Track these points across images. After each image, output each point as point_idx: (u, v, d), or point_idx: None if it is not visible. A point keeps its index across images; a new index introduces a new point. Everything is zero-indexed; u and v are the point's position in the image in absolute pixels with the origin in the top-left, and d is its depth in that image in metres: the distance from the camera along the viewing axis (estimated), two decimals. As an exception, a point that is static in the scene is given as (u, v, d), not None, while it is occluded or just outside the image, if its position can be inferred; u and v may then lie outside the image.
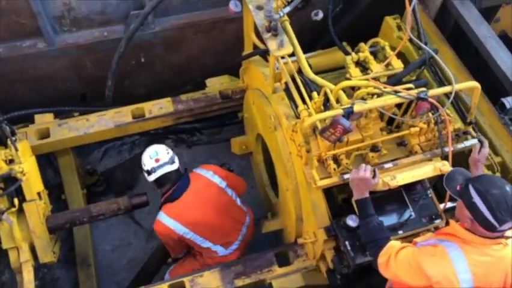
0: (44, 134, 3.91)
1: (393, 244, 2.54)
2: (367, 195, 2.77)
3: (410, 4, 3.00)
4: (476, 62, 3.87)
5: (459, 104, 3.40)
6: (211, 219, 3.48)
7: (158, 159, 3.39)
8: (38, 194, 3.47)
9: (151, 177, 3.43)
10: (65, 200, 4.54)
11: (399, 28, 3.76)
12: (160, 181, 3.42)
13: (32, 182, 3.39)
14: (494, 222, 2.16)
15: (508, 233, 2.25)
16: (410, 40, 3.57)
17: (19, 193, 3.37)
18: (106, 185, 4.99)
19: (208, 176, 3.59)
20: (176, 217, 3.40)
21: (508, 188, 2.20)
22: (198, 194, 3.46)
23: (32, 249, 3.49)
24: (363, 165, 2.78)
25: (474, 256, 2.26)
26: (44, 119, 3.97)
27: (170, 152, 3.50)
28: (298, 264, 3.45)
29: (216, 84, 4.30)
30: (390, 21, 3.81)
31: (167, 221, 3.40)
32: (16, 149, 3.28)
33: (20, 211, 3.41)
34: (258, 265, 3.44)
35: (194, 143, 5.30)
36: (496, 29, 4.28)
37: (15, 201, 3.34)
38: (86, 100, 4.62)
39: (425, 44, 3.54)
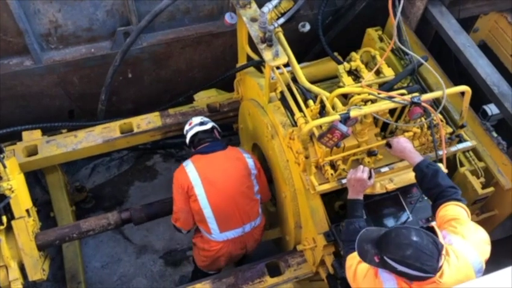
0: (32, 151, 3.90)
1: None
2: (361, 197, 2.84)
3: (394, 16, 3.09)
4: (457, 70, 3.97)
5: (442, 112, 3.48)
6: (224, 188, 3.42)
7: (191, 122, 3.74)
8: (27, 211, 3.46)
9: (187, 140, 3.71)
10: (54, 218, 4.51)
11: (381, 39, 3.85)
12: (194, 142, 3.64)
13: (21, 199, 3.38)
14: (427, 275, 2.13)
15: (441, 270, 2.18)
16: (393, 50, 3.69)
17: (7, 211, 3.35)
18: (95, 202, 4.98)
19: (244, 154, 3.59)
20: (197, 166, 3.44)
21: (415, 238, 2.14)
22: (226, 160, 3.51)
23: (21, 267, 3.47)
24: (361, 166, 2.86)
25: None
26: (32, 136, 3.96)
27: (205, 118, 3.76)
28: (289, 274, 3.48)
29: (204, 98, 4.35)
30: (372, 32, 3.90)
31: (189, 166, 3.45)
32: (4, 166, 3.28)
33: (9, 229, 3.39)
34: (249, 276, 3.46)
35: (183, 157, 5.32)
36: (476, 38, 4.40)
37: (4, 219, 3.31)
38: (74, 117, 4.62)
39: (406, 54, 3.64)
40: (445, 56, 4.02)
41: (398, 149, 2.93)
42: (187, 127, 3.73)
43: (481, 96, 3.65)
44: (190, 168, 3.44)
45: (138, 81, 4.52)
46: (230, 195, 3.43)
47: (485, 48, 4.40)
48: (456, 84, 3.56)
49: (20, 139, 3.94)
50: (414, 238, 2.14)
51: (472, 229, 2.41)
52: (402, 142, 2.92)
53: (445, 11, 3.97)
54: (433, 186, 2.66)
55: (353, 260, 2.52)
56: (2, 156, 3.30)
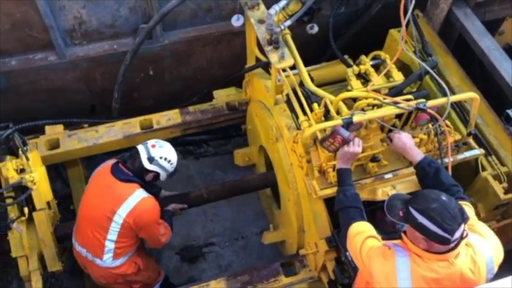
0: (54, 145, 3.97)
1: (370, 228, 2.55)
2: (349, 166, 2.84)
3: (405, 17, 3.05)
4: (481, 73, 3.91)
5: (464, 114, 3.44)
6: (88, 209, 3.35)
7: (154, 145, 3.33)
8: (48, 203, 3.53)
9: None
10: (73, 211, 4.58)
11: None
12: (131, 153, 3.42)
13: (42, 191, 3.45)
14: (445, 234, 2.14)
15: (457, 251, 2.22)
16: (415, 52, 3.64)
17: (29, 203, 3.43)
18: (114, 196, 5.02)
19: (129, 200, 3.21)
20: (98, 172, 3.42)
21: (444, 198, 2.22)
22: (108, 189, 3.27)
23: (41, 258, 3.54)
24: (356, 139, 2.82)
25: (419, 269, 2.24)
26: (55, 130, 4.04)
27: (172, 164, 3.35)
28: (304, 275, 3.48)
29: (223, 96, 4.37)
30: (394, 33, 3.86)
31: (101, 166, 3.46)
32: (27, 159, 3.35)
33: (30, 220, 3.46)
34: (264, 275, 3.47)
35: (201, 154, 5.35)
36: (501, 41, 4.32)
37: (25, 210, 3.39)
38: (95, 112, 4.69)
39: (430, 55, 3.60)
40: (469, 59, 3.95)
41: (398, 145, 2.91)
42: (149, 144, 3.36)
43: (504, 100, 3.58)
44: (98, 169, 3.42)
45: (159, 78, 4.57)
46: (87, 217, 3.35)
47: (510, 51, 4.31)
48: (480, 87, 3.52)
49: (42, 132, 4.02)
50: (443, 197, 2.23)
51: (488, 230, 2.44)
52: (403, 138, 2.90)
53: (470, 13, 3.91)
54: (436, 185, 2.65)
55: (359, 228, 2.54)
56: (25, 148, 3.38)
